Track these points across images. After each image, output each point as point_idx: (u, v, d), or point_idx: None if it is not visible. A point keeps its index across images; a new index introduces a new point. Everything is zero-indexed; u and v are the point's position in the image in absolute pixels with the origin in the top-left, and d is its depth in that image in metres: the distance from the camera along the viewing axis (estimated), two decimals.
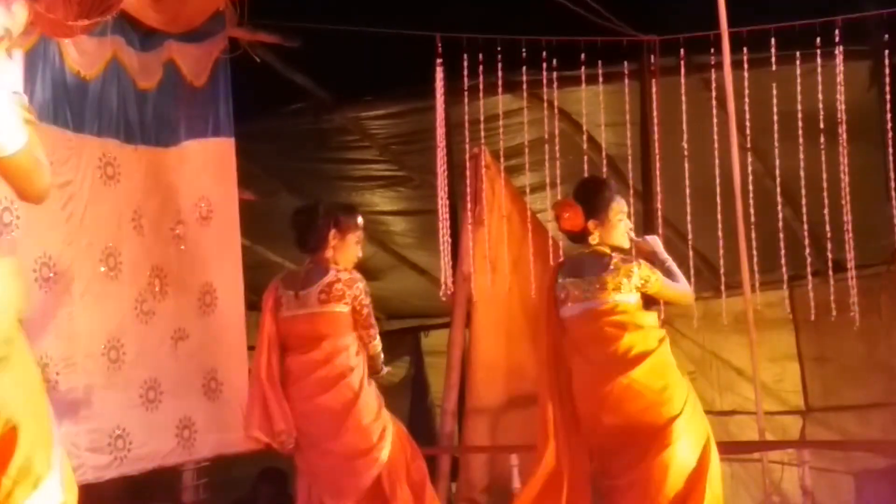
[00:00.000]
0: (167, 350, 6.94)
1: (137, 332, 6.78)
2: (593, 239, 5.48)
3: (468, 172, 8.20)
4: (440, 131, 8.05)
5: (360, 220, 6.17)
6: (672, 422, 5.21)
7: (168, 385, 6.87)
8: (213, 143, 7.40)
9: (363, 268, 9.45)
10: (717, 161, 7.57)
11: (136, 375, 6.75)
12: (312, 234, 6.03)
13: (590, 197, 5.52)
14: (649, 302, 5.80)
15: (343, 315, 5.94)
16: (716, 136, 7.57)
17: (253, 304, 7.35)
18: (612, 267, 5.42)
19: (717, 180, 7.56)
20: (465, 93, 7.97)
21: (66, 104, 6.42)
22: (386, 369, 6.20)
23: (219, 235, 7.36)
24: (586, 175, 7.80)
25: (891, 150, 7.55)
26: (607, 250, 5.48)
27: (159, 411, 6.84)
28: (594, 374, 5.38)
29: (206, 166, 7.34)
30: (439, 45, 7.90)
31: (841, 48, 7.41)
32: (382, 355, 6.10)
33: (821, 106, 7.45)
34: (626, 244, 5.59)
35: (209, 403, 6.89)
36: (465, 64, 7.90)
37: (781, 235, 7.67)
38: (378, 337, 6.08)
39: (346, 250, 6.06)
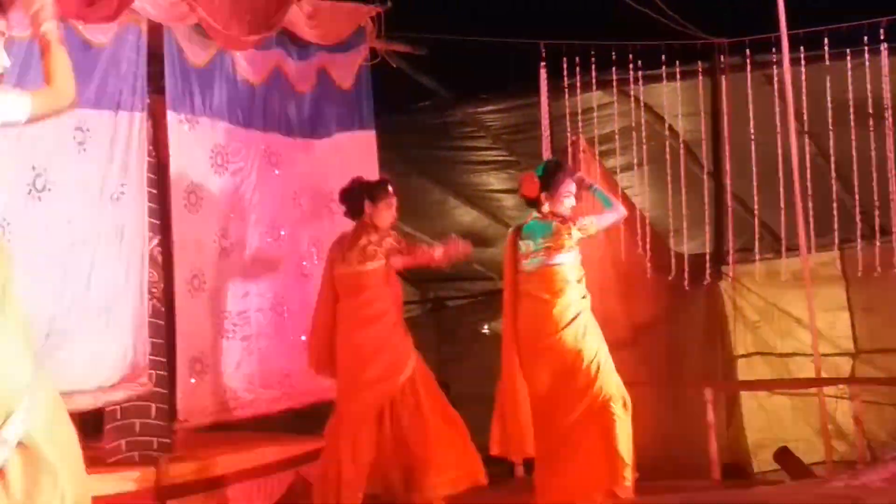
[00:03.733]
0: None
1: (299, 290, 6.89)
2: (544, 208, 5.64)
3: (568, 156, 7.95)
4: (544, 122, 8.05)
5: (388, 189, 6.16)
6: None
7: None
8: (358, 135, 7.47)
9: (480, 237, 9.47)
10: (778, 144, 7.52)
11: (297, 326, 6.81)
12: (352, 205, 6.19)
13: (547, 175, 5.67)
14: None
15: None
16: (777, 123, 7.53)
17: None
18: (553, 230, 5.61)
19: (779, 160, 7.52)
20: (565, 90, 8.01)
21: (237, 105, 6.59)
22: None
23: None
24: (668, 160, 7.79)
25: None
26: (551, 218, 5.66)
27: None
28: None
29: (353, 154, 7.39)
30: (543, 50, 7.93)
31: (885, 45, 7.31)
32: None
33: (869, 95, 7.38)
34: (567, 214, 5.68)
35: None
36: (565, 66, 7.93)
37: (835, 205, 7.58)
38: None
39: (380, 215, 6.10)
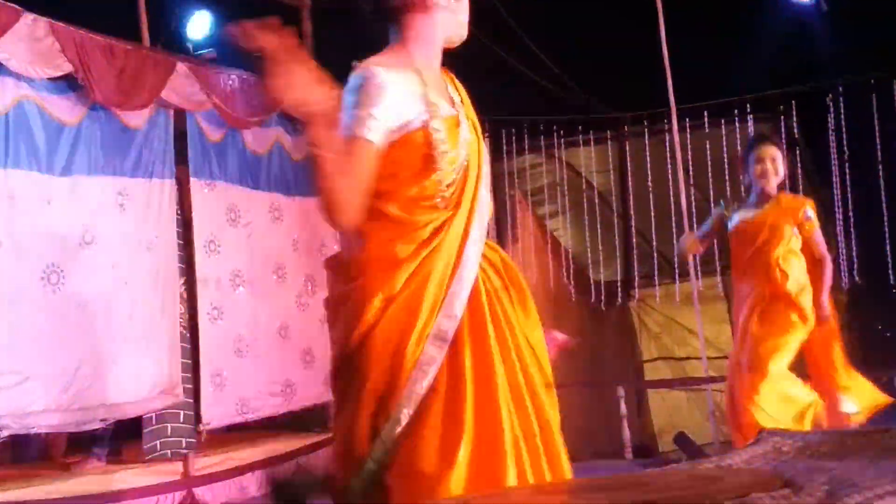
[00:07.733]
0: (318, 327, 6.59)
1: (297, 317, 6.68)
2: None
3: (508, 206, 8.14)
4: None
5: None
6: None
7: (318, 352, 6.67)
8: None
9: None
10: (670, 192, 7.48)
11: (297, 346, 6.67)
12: None
13: None
14: None
15: None
16: (669, 176, 7.50)
17: None
18: None
19: (672, 203, 7.48)
20: (504, 154, 8.03)
21: (247, 171, 6.42)
22: None
23: None
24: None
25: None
26: None
27: (314, 369, 6.69)
28: None
29: None
30: (487, 123, 7.80)
31: (751, 116, 7.47)
32: None
33: (738, 153, 7.08)
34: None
35: None
36: (504, 135, 8.00)
37: (715, 240, 7.39)
38: None
39: None
